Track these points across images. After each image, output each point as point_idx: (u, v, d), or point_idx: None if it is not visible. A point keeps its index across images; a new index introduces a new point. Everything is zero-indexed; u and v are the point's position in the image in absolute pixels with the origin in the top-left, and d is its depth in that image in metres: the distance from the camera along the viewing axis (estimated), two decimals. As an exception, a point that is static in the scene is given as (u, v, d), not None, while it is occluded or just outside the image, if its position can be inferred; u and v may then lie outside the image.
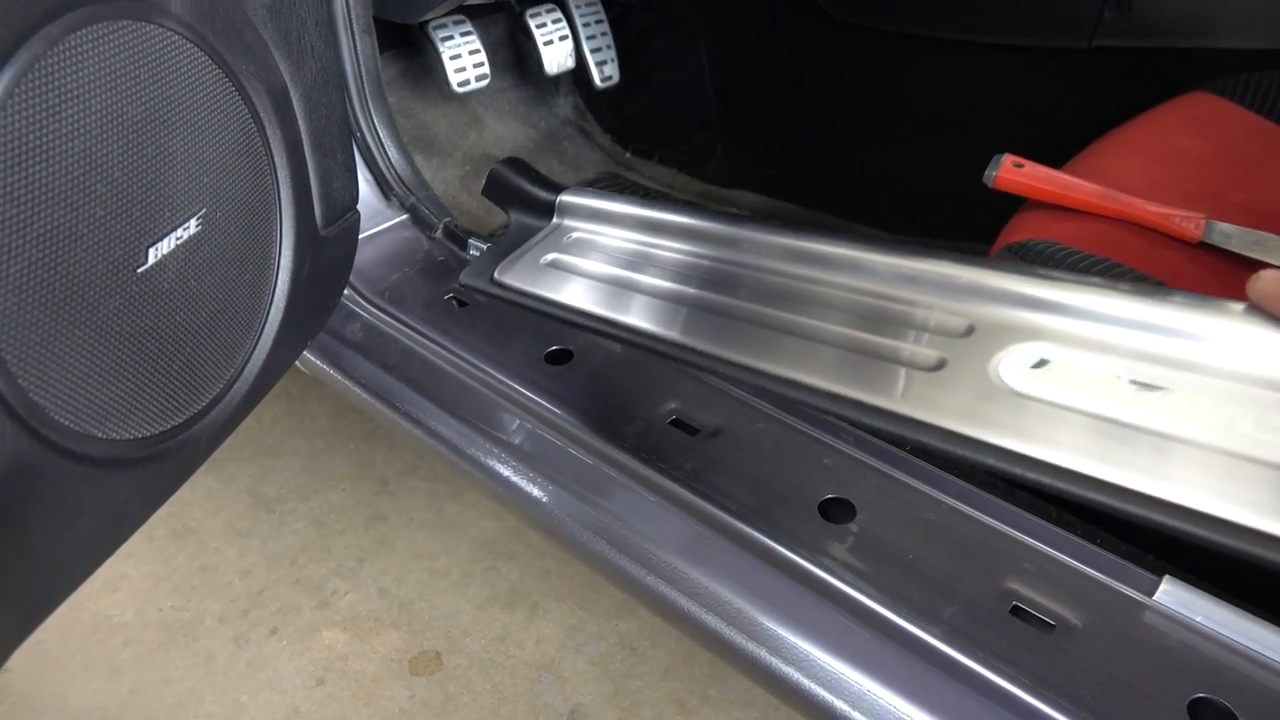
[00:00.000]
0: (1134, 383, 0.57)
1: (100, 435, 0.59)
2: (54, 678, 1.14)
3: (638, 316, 0.78)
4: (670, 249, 0.85)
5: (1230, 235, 0.80)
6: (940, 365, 0.64)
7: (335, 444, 1.49)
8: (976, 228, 1.36)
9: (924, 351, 0.66)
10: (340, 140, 0.83)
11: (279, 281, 0.76)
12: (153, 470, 0.65)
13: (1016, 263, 0.76)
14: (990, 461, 0.55)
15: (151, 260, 0.60)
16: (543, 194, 0.93)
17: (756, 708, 1.07)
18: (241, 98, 0.69)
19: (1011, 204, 0.92)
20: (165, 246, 0.61)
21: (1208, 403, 0.53)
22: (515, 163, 0.96)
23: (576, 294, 0.82)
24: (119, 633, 1.19)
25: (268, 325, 0.76)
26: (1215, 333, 0.58)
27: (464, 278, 0.87)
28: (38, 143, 0.50)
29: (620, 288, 0.82)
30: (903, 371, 0.65)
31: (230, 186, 0.68)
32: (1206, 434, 0.52)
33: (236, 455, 1.47)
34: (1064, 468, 0.53)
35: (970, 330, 0.66)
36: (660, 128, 1.73)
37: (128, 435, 0.62)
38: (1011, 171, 0.87)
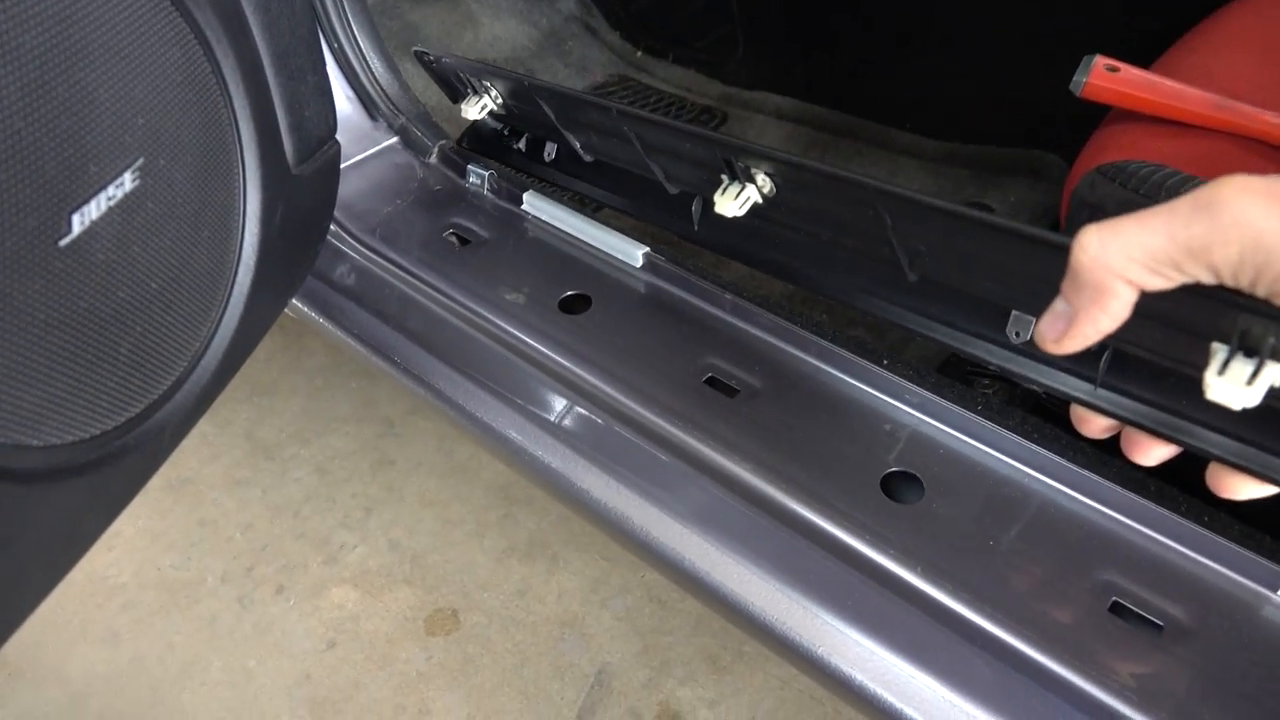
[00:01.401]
0: None
1: (36, 444, 0.49)
2: (51, 645, 1.08)
3: None
4: None
5: (1370, 151, 0.67)
6: None
7: (335, 381, 1.40)
8: (1033, 134, 1.22)
9: None
10: (310, 58, 0.70)
11: (246, 234, 0.65)
12: (108, 473, 0.55)
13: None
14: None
15: (77, 229, 0.48)
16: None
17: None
18: (180, 12, 0.56)
19: (1076, 107, 0.78)
20: (94, 210, 0.49)
21: None
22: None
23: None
24: (117, 595, 1.13)
25: (236, 287, 0.65)
26: None
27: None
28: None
29: None
30: None
31: (173, 127, 0.56)
32: None
33: (232, 397, 1.38)
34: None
35: None
36: (675, 22, 1.56)
37: (71, 438, 0.52)
38: (1104, 77, 0.73)
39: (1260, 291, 0.33)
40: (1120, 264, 0.34)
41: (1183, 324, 0.42)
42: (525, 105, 0.87)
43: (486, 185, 0.94)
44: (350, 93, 0.99)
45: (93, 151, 0.49)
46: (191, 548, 1.18)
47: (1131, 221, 0.34)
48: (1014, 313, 0.53)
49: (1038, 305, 0.45)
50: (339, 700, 1.01)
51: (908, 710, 0.58)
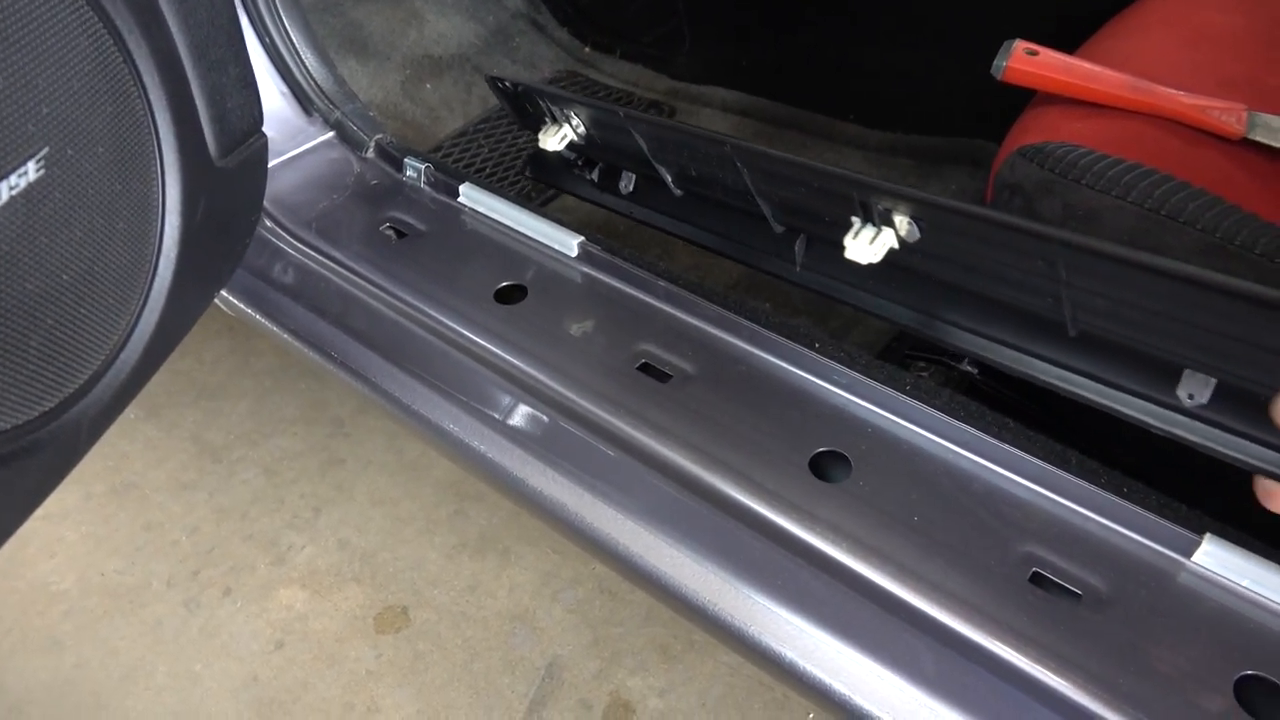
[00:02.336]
0: None
1: (-62, 437, 0.48)
2: (-10, 655, 1.06)
3: None
4: None
5: (1277, 129, 0.69)
6: None
7: (284, 383, 1.39)
8: (975, 124, 1.24)
9: None
10: (231, 49, 0.69)
11: (166, 227, 0.64)
12: (20, 468, 0.54)
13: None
14: None
15: (-24, 219, 0.48)
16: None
17: (744, 653, 1.02)
18: (88, 2, 0.55)
19: (1018, 94, 0.80)
20: (-6, 200, 0.49)
21: None
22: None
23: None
24: (59, 602, 1.11)
25: (157, 280, 0.64)
26: None
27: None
28: None
29: None
30: None
31: (82, 117, 0.55)
32: None
33: (177, 400, 1.36)
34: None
35: None
36: (622, 17, 1.56)
37: (-22, 432, 0.51)
38: (1024, 60, 0.74)
39: None
40: None
41: None
42: (612, 136, 0.82)
43: (423, 178, 0.94)
44: (284, 88, 0.98)
45: (-9, 141, 0.48)
46: (136, 552, 1.16)
47: None
48: (1187, 371, 0.49)
49: (1219, 364, 0.43)
50: (287, 701, 1.00)
51: (836, 685, 0.58)
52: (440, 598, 1.10)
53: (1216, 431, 0.44)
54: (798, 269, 0.72)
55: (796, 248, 0.71)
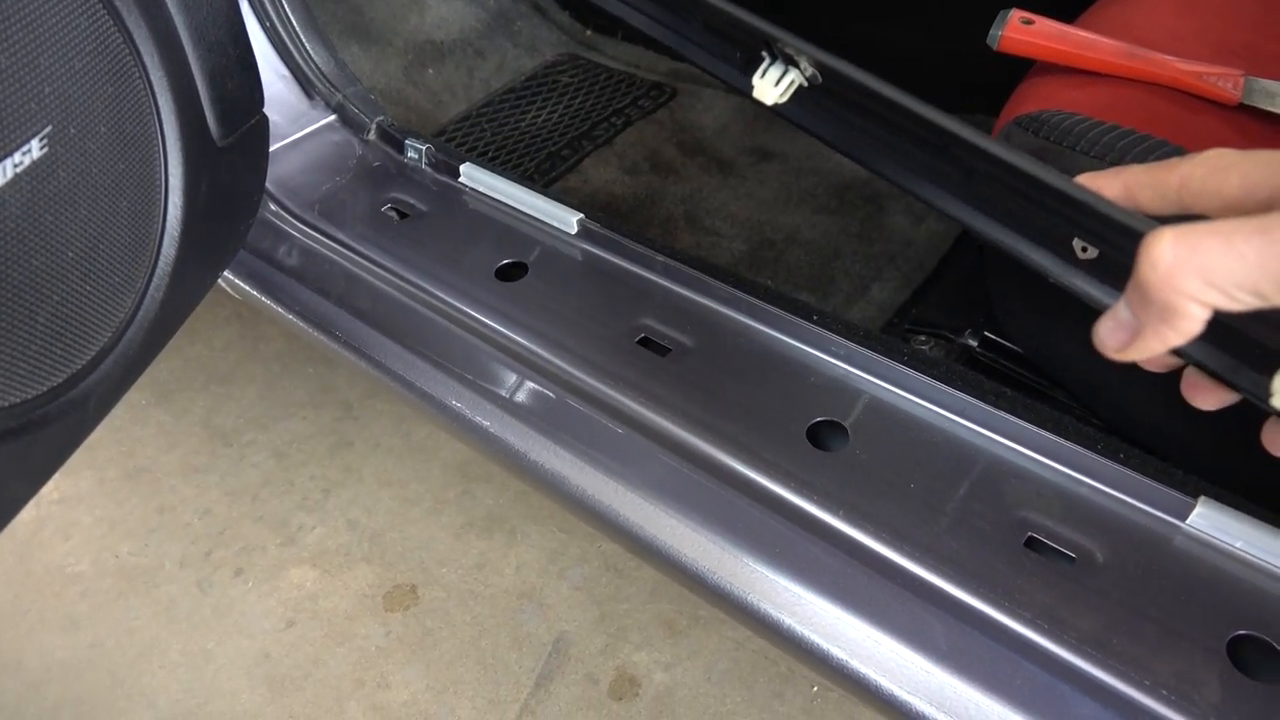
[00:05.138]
0: None
1: (-51, 409, 0.49)
2: (8, 635, 1.08)
3: None
4: None
5: (1275, 94, 0.69)
6: None
7: (293, 368, 1.40)
8: (976, 99, 1.23)
9: None
10: (230, 30, 0.70)
11: (169, 206, 0.65)
12: (30, 442, 0.55)
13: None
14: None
15: (-19, 196, 0.49)
16: None
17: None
18: (86, -18, 0.56)
19: (1016, 68, 0.79)
20: (-1, 177, 0.50)
21: None
22: None
23: None
24: (75, 583, 1.13)
25: (161, 258, 0.65)
26: None
27: None
28: None
29: None
30: None
31: (85, 97, 0.56)
32: None
33: (188, 385, 1.37)
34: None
35: None
36: (623, 0, 1.55)
37: (-11, 405, 0.52)
38: (1019, 30, 0.74)
39: None
40: (1196, 288, 0.29)
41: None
42: None
43: (424, 159, 0.94)
44: (284, 71, 0.99)
45: (-5, 119, 0.49)
46: (149, 534, 1.18)
47: (1214, 239, 0.29)
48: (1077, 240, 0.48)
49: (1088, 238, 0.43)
50: (298, 677, 1.02)
51: (834, 650, 0.59)
52: (448, 576, 1.11)
53: (1106, 287, 0.45)
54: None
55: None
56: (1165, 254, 0.30)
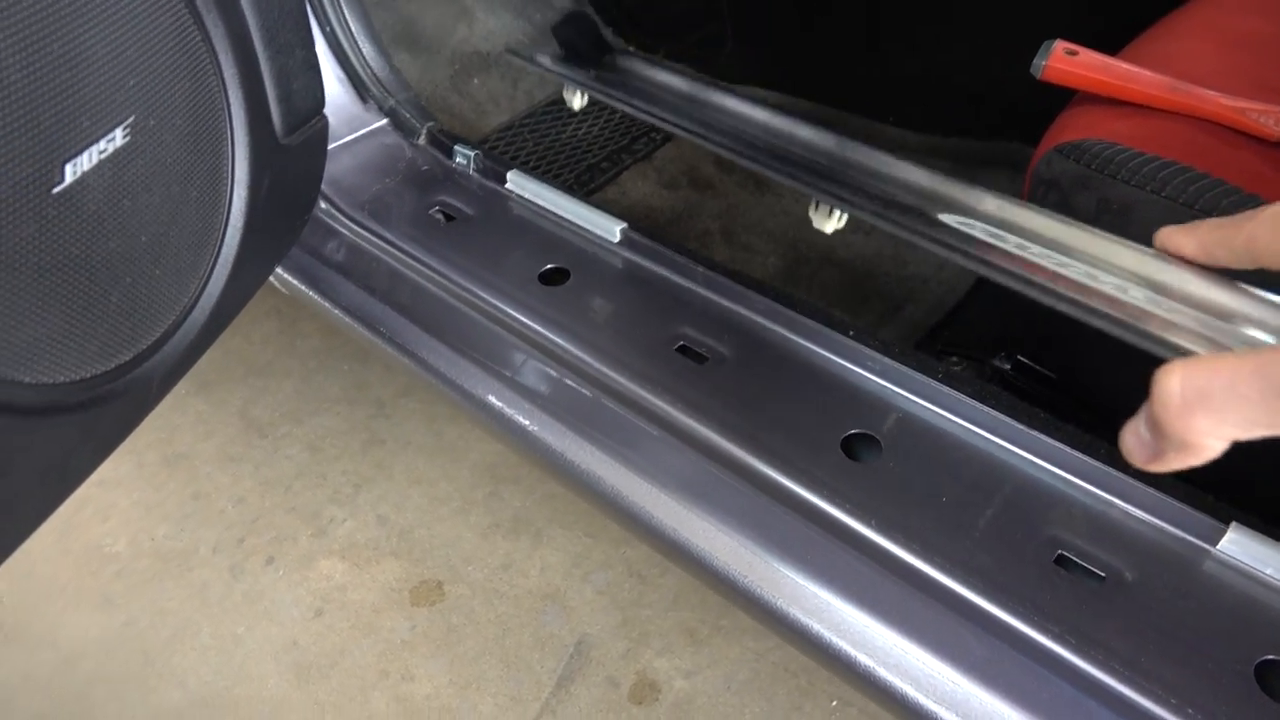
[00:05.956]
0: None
1: (27, 380, 0.52)
2: (45, 611, 1.10)
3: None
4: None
5: (1316, 131, 0.69)
6: None
7: (328, 364, 1.43)
8: (1015, 128, 1.25)
9: None
10: (298, 34, 0.73)
11: (234, 198, 0.68)
12: (98, 415, 0.58)
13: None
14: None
15: (70, 178, 0.51)
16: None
17: (770, 638, 1.03)
18: (172, -17, 0.59)
19: (1056, 99, 0.81)
20: (86, 162, 0.52)
21: None
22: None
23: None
24: (111, 563, 1.16)
25: (224, 248, 0.68)
26: None
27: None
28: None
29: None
30: None
31: (164, 90, 0.59)
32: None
33: (227, 377, 1.41)
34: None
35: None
36: (666, 18, 1.59)
37: (63, 379, 0.55)
38: (1063, 60, 0.76)
39: None
40: (1207, 427, 0.30)
41: None
42: None
43: (472, 165, 0.97)
44: (341, 75, 1.02)
45: (85, 106, 0.52)
46: (185, 519, 1.21)
47: (1220, 378, 0.29)
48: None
49: None
50: (325, 665, 1.04)
51: (861, 657, 0.60)
52: (474, 574, 1.13)
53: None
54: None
55: None
56: (1174, 395, 0.30)
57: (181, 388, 1.43)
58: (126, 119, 0.55)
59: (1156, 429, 0.32)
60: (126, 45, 0.55)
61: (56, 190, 0.51)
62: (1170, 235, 0.44)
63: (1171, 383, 0.30)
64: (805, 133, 0.89)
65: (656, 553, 0.77)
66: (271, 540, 1.18)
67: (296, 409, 1.36)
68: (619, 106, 0.94)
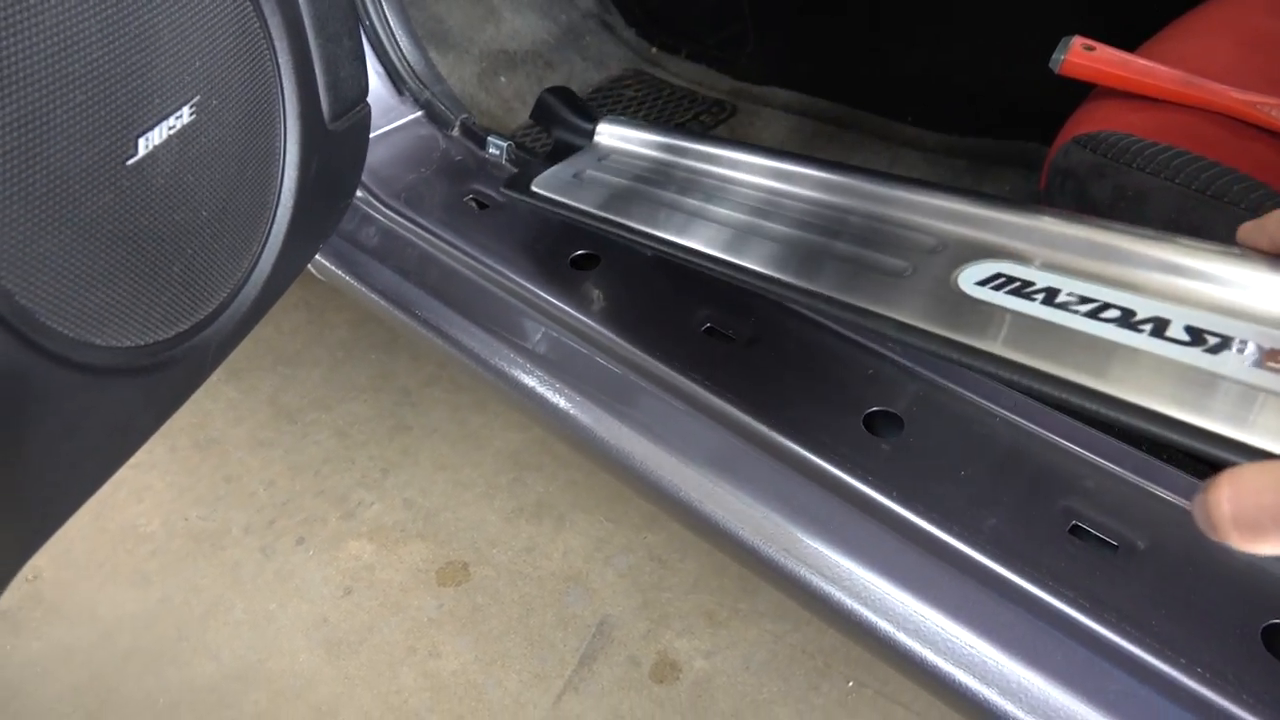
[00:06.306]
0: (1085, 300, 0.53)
1: (99, 343, 0.55)
2: (83, 586, 1.14)
3: (641, 220, 0.75)
4: (686, 169, 0.82)
5: (1326, 123, 0.72)
6: (906, 273, 0.61)
7: (356, 354, 1.46)
8: (1031, 127, 1.27)
9: (894, 261, 0.62)
10: (346, 25, 0.76)
11: (285, 179, 0.71)
12: (158, 379, 0.61)
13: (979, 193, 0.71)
14: (935, 349, 0.54)
15: (142, 151, 0.55)
16: (583, 122, 0.91)
17: (788, 620, 1.06)
18: (234, -28, 0.62)
19: (1070, 100, 0.84)
20: (156, 137, 0.56)
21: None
22: (561, 91, 0.97)
23: (605, 204, 0.79)
24: (146, 542, 1.19)
25: (275, 226, 0.71)
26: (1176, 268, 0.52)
27: (504, 188, 0.86)
28: (2, 18, 0.44)
29: (641, 199, 0.79)
30: (875, 275, 0.61)
31: (226, 73, 0.62)
32: (1137, 341, 0.48)
33: (257, 365, 1.44)
34: (1000, 356, 0.51)
35: (939, 248, 0.63)
36: (688, 19, 1.62)
37: (129, 343, 0.58)
38: (1081, 55, 0.79)
39: None
40: (1256, 538, 0.30)
41: None
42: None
43: (505, 156, 1.00)
44: (380, 69, 1.05)
45: (156, 85, 0.55)
46: (217, 501, 1.24)
47: (1261, 498, 0.30)
48: None
49: None
50: (354, 641, 1.07)
51: (881, 622, 0.63)
52: (499, 557, 1.15)
53: None
54: None
55: None
56: (1223, 510, 0.31)
57: (213, 375, 1.47)
58: (193, 98, 0.58)
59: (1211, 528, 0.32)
60: (193, 30, 0.58)
61: (130, 162, 0.54)
62: (1247, 231, 0.44)
63: (1219, 496, 0.31)
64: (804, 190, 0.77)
65: (683, 528, 0.80)
66: (301, 522, 1.21)
67: (325, 396, 1.39)
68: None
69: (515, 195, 0.86)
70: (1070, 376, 0.48)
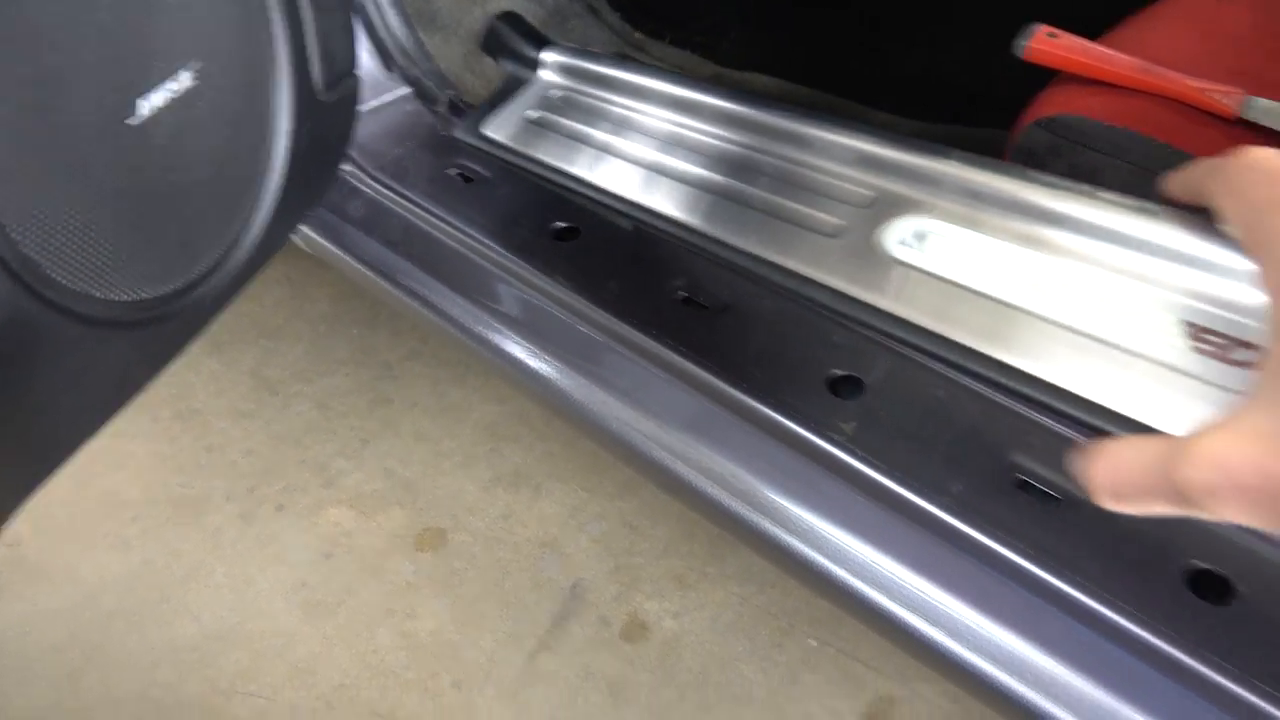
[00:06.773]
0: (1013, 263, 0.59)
1: (99, 295, 0.58)
2: (65, 550, 1.16)
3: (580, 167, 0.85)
4: (631, 108, 0.90)
5: (1268, 111, 0.76)
6: (837, 233, 0.66)
7: (337, 329, 1.48)
8: (1001, 110, 1.31)
9: (827, 218, 0.67)
10: (337, -3, 0.79)
11: (277, 145, 0.74)
12: (153, 334, 0.64)
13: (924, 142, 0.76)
14: (861, 316, 0.59)
15: (144, 112, 0.57)
16: (531, 50, 0.96)
17: (753, 582, 1.10)
18: (231, -59, 0.65)
19: (1039, 88, 0.88)
20: (157, 99, 0.58)
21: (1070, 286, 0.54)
22: (511, 17, 1.01)
23: (553, 153, 0.85)
24: (127, 508, 1.21)
25: (266, 190, 0.74)
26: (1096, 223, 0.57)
27: (456, 133, 0.90)
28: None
29: (587, 147, 0.85)
30: (806, 234, 0.68)
31: (224, 39, 0.64)
32: (1055, 311, 0.53)
33: (239, 338, 1.46)
34: (911, 321, 0.56)
35: (872, 203, 0.69)
36: (672, 5, 1.65)
37: (126, 297, 0.60)
38: (1044, 41, 0.83)
39: None
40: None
41: None
42: None
43: (489, 131, 1.03)
44: (369, 45, 1.07)
45: (158, 48, 0.58)
46: (198, 469, 1.26)
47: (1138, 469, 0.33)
48: None
49: None
50: (333, 604, 1.10)
51: (837, 570, 0.67)
52: (476, 523, 1.18)
53: None
54: None
55: None
56: (1096, 479, 0.35)
57: (195, 347, 1.49)
58: (193, 63, 0.61)
59: (1169, 488, 0.32)
60: (193, -4, 0.61)
61: (131, 122, 0.56)
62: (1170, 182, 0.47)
63: (1095, 476, 0.35)
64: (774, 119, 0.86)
65: (657, 489, 0.84)
66: (282, 490, 1.23)
67: (306, 369, 1.41)
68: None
69: (469, 140, 0.89)
70: (991, 352, 0.52)
